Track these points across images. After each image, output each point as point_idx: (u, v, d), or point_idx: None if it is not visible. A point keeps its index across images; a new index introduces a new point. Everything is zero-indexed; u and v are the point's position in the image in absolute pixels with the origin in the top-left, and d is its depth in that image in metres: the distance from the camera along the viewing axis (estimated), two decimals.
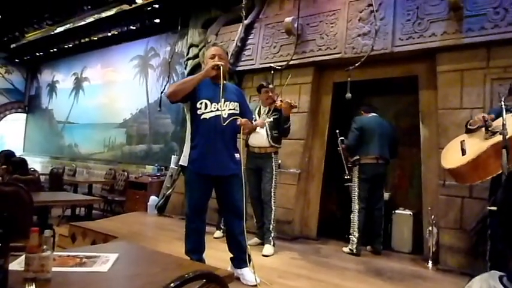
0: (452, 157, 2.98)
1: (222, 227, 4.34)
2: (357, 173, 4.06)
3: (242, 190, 2.82)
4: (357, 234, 3.92)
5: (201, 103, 2.69)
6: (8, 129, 11.01)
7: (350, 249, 3.93)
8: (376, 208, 4.12)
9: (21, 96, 11.22)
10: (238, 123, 2.69)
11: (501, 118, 2.69)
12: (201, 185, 2.73)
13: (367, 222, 4.01)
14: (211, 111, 2.69)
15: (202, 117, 2.69)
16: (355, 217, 3.99)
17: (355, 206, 4.01)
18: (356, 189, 4.04)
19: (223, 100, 2.70)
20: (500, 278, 0.84)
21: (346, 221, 4.48)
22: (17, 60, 10.88)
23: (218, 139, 2.68)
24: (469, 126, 2.98)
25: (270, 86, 3.97)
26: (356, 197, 4.02)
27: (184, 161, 2.80)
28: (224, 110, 2.71)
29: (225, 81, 2.80)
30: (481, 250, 3.16)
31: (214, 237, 4.18)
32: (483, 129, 2.90)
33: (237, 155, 2.79)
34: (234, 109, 2.76)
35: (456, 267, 3.43)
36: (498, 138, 2.67)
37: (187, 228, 2.78)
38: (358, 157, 4.04)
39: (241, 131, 2.73)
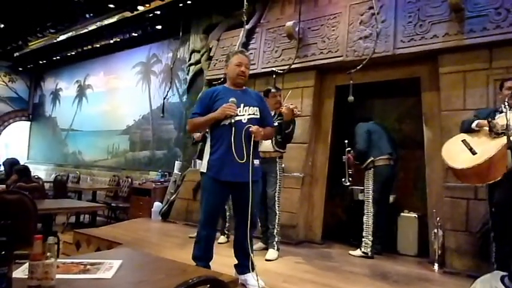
0: (460, 157, 2.93)
1: (226, 232, 4.34)
2: (372, 176, 4.04)
3: (258, 198, 2.80)
4: (371, 238, 3.91)
5: None
6: (13, 138, 11.08)
7: (364, 252, 3.91)
8: (383, 211, 4.10)
9: (25, 104, 11.30)
10: (250, 129, 2.65)
11: (503, 117, 2.68)
12: (218, 191, 2.71)
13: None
14: (230, 116, 2.67)
15: (221, 123, 2.67)
16: (369, 220, 3.96)
17: (370, 209, 3.98)
18: (371, 192, 4.01)
19: (242, 105, 2.70)
20: (502, 278, 0.84)
21: (351, 224, 4.47)
22: (20, 69, 10.97)
23: (236, 145, 2.63)
24: (475, 127, 2.96)
25: (277, 90, 3.96)
26: (371, 200, 3.99)
27: (203, 167, 2.78)
28: (244, 115, 2.70)
29: (245, 88, 2.86)
30: (488, 252, 3.13)
31: (219, 243, 4.17)
32: (485, 128, 2.89)
33: (256, 162, 2.74)
34: (253, 114, 2.74)
35: (463, 269, 3.39)
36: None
37: (199, 234, 2.75)
38: (372, 159, 4.03)
39: (253, 138, 2.66)
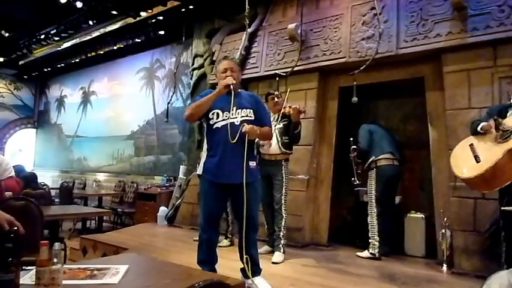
0: (464, 164, 2.91)
1: (229, 236, 4.33)
2: (374, 176, 4.02)
3: (257, 200, 2.79)
4: (377, 238, 3.89)
5: (213, 113, 2.72)
6: (19, 145, 11.16)
7: (372, 253, 3.89)
8: (387, 211, 4.07)
9: (30, 112, 11.38)
10: (243, 130, 2.66)
11: (511, 119, 2.65)
12: (215, 194, 2.72)
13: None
14: (223, 119, 2.70)
15: (214, 126, 2.71)
16: (374, 221, 3.94)
17: (373, 210, 3.96)
18: (373, 192, 4.00)
19: (235, 108, 2.71)
20: None
21: (358, 226, 4.44)
22: (25, 77, 11.06)
23: (230, 147, 2.66)
24: (480, 130, 2.92)
25: (276, 92, 3.99)
26: (374, 200, 3.98)
27: (200, 170, 2.80)
28: (236, 117, 2.71)
29: (239, 90, 2.84)
30: (496, 252, 3.10)
31: (220, 246, 4.14)
32: (492, 130, 2.85)
33: (252, 163, 2.75)
34: (247, 116, 2.74)
35: (471, 270, 3.36)
36: None
37: (201, 238, 2.76)
38: (374, 157, 4.03)
39: (247, 138, 2.68)
